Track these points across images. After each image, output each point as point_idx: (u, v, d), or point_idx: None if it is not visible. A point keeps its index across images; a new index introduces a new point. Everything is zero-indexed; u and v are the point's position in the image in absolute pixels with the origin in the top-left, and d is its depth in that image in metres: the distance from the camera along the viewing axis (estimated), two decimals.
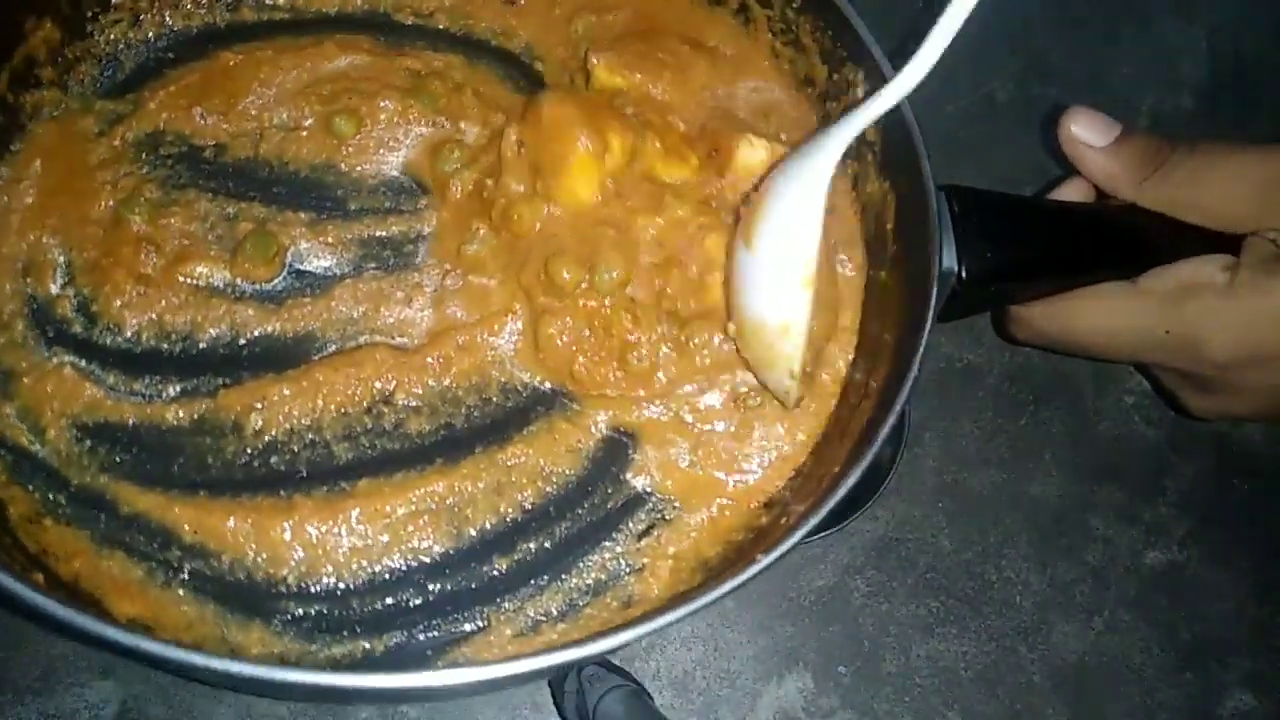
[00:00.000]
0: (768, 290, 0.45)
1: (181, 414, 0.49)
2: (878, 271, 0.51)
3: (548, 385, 0.51)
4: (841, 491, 0.39)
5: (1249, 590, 0.60)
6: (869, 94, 0.51)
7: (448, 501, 0.48)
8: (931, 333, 0.45)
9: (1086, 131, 0.52)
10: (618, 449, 0.50)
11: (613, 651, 0.39)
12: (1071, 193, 0.54)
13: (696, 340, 0.49)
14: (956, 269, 0.48)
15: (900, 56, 0.49)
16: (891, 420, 0.41)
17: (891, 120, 0.50)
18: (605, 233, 0.49)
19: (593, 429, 0.51)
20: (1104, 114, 0.52)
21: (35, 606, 0.36)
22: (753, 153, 0.50)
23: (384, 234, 0.54)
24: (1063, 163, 0.54)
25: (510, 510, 0.49)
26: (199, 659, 0.34)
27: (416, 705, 0.55)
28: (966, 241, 0.48)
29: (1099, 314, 0.50)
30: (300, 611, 0.45)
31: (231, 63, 0.57)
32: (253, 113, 0.56)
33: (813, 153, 0.45)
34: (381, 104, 0.55)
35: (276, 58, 0.57)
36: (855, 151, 0.53)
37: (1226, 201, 0.49)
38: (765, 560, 0.38)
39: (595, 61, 0.52)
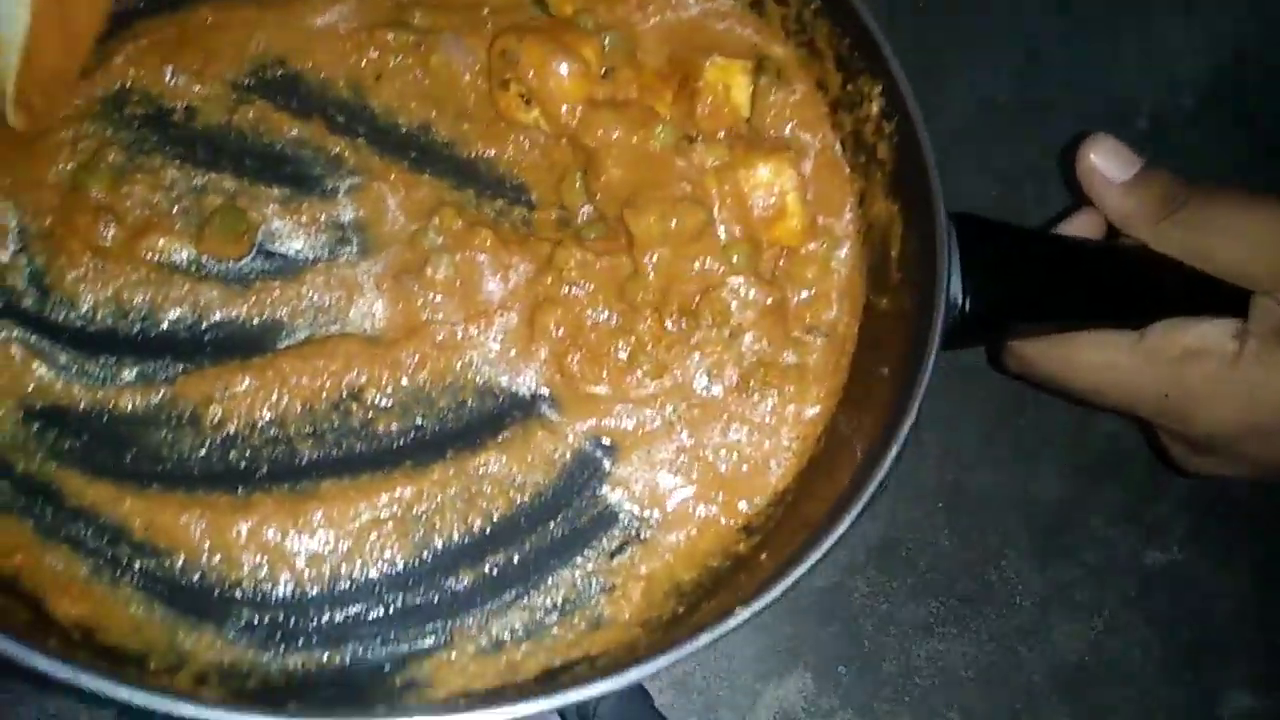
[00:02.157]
0: None
1: (137, 400, 0.46)
2: (879, 298, 0.49)
3: (528, 390, 0.49)
4: (829, 541, 0.37)
5: (1249, 590, 0.60)
6: (885, 110, 0.49)
7: (414, 509, 0.46)
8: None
9: (1106, 162, 0.50)
10: (595, 461, 0.49)
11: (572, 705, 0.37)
12: (1082, 225, 0.52)
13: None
14: (961, 302, 0.46)
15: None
16: (882, 475, 0.39)
17: (905, 139, 0.48)
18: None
19: (570, 438, 0.49)
20: (1126, 146, 0.50)
21: None
22: (720, 72, 0.50)
23: (363, 215, 0.51)
24: (1076, 192, 0.53)
25: (479, 520, 0.47)
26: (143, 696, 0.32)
27: None
28: (974, 274, 0.46)
29: (1100, 364, 0.49)
30: (255, 619, 0.44)
31: (209, 20, 0.53)
32: (229, 75, 0.52)
33: None
34: (370, 53, 0.52)
35: (259, 16, 0.53)
36: (864, 169, 0.51)
37: (1242, 255, 0.48)
38: (744, 614, 0.37)
39: None
